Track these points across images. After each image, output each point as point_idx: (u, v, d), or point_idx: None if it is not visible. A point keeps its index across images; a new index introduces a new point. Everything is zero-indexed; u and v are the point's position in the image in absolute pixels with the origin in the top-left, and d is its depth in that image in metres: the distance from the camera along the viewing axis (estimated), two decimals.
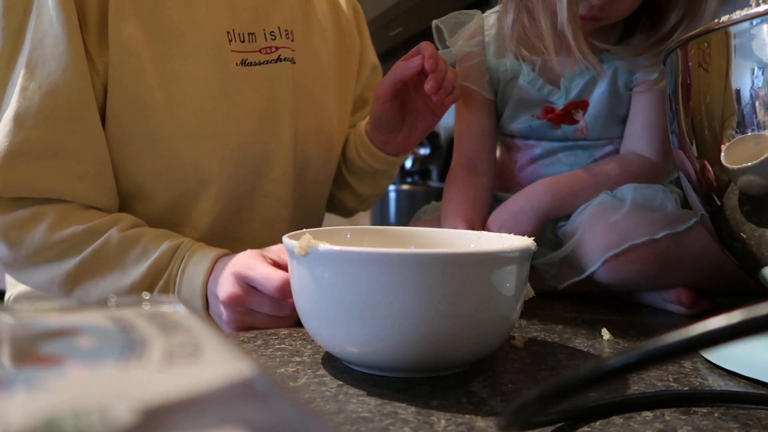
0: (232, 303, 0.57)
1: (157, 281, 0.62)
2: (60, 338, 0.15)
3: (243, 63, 0.72)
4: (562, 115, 0.77)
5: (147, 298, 0.19)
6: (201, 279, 0.61)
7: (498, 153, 0.88)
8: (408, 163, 2.09)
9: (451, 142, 1.75)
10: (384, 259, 0.36)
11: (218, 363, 0.14)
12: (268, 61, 0.74)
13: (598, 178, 0.73)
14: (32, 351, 0.14)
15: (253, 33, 0.73)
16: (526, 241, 0.43)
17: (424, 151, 2.03)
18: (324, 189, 0.87)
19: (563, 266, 0.70)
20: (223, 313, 0.58)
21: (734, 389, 0.40)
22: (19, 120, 0.59)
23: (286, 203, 0.79)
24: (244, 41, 0.72)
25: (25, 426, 0.10)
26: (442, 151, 1.78)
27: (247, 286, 0.57)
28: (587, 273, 0.66)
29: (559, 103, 0.77)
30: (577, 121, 0.77)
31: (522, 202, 0.72)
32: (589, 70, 0.74)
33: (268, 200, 0.77)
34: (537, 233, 0.73)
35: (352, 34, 0.90)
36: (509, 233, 0.72)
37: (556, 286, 0.71)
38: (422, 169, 2.13)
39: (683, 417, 0.34)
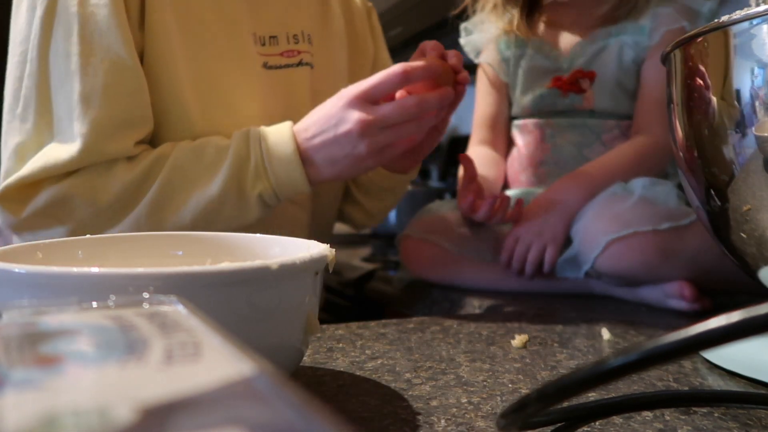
0: (365, 128, 0.55)
1: (245, 172, 0.61)
2: (60, 338, 0.15)
3: (265, 66, 0.70)
4: (569, 82, 0.82)
5: (147, 297, 0.19)
6: (290, 146, 0.60)
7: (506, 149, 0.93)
8: None
9: (451, 142, 1.75)
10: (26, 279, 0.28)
11: (218, 363, 0.14)
12: (289, 65, 0.73)
13: (616, 168, 0.75)
14: (32, 351, 0.14)
15: (275, 36, 0.72)
16: (295, 258, 0.31)
17: None
18: (337, 190, 0.86)
19: (565, 263, 0.72)
20: (359, 147, 0.57)
21: (734, 389, 0.40)
22: (86, 100, 0.59)
23: (304, 206, 0.78)
24: (265, 44, 0.71)
25: (25, 426, 0.10)
26: (443, 151, 1.78)
27: (369, 104, 0.56)
28: (591, 258, 0.67)
29: (566, 67, 0.83)
30: (584, 90, 0.82)
31: (548, 203, 0.74)
32: (596, 41, 0.81)
33: (288, 203, 0.75)
34: (567, 233, 0.74)
35: (366, 37, 0.88)
36: (539, 232, 0.72)
37: (558, 275, 0.73)
38: (422, 169, 2.12)
39: (683, 417, 0.34)
